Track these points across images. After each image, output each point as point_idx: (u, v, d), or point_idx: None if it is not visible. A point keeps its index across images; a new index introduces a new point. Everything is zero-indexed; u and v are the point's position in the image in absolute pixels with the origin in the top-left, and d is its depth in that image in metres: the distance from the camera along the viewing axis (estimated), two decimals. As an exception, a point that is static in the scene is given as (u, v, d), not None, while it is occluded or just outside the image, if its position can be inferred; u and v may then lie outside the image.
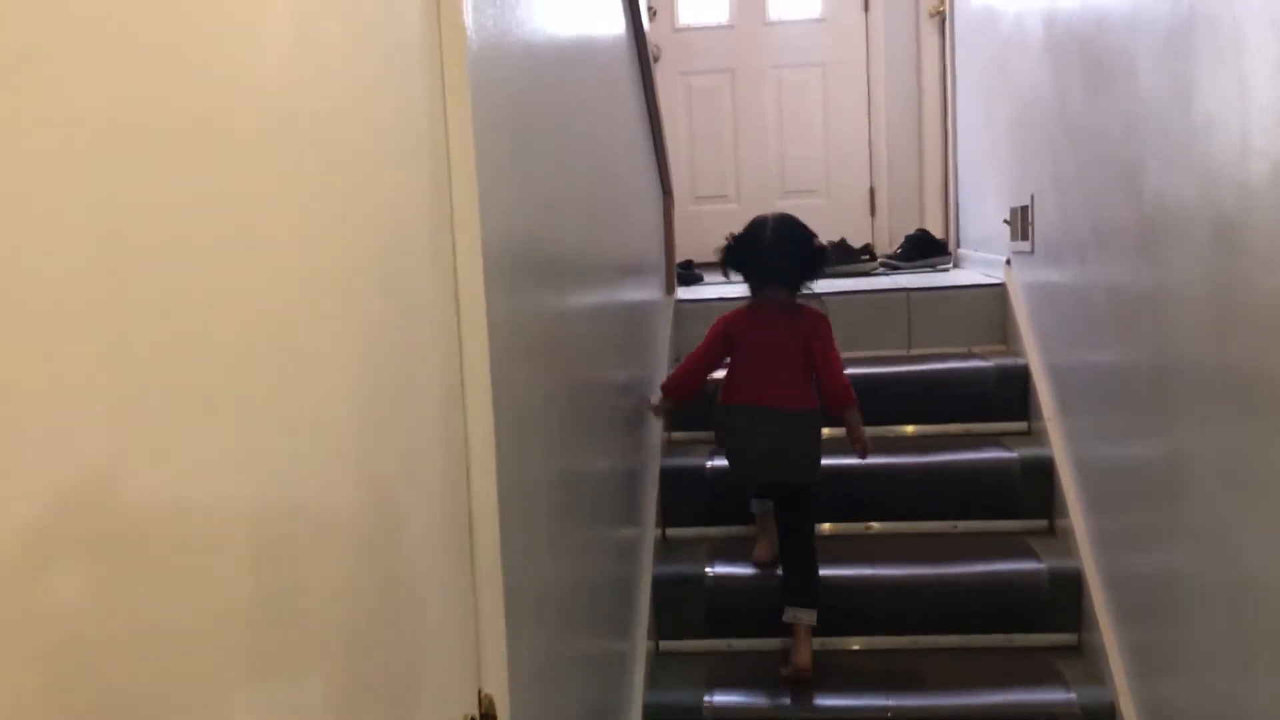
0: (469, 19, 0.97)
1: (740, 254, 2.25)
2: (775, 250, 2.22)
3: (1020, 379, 2.59)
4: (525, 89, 1.24)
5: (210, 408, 0.52)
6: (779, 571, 2.26)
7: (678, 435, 2.68)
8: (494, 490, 0.97)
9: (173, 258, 0.50)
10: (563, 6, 1.53)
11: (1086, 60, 2.04)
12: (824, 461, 2.38)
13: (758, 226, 2.27)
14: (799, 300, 2.24)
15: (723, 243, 2.28)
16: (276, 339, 0.60)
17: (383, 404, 0.76)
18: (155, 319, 0.48)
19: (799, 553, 2.20)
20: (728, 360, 2.27)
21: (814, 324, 2.21)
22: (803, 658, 2.14)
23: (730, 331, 2.26)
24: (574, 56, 1.64)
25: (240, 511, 0.55)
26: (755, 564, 2.33)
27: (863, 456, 2.22)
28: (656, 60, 4.38)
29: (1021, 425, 2.58)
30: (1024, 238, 2.61)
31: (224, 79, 0.55)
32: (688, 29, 4.51)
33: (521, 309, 1.16)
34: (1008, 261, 2.85)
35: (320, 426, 0.65)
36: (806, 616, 2.16)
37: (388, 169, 0.80)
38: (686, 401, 2.33)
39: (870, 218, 4.50)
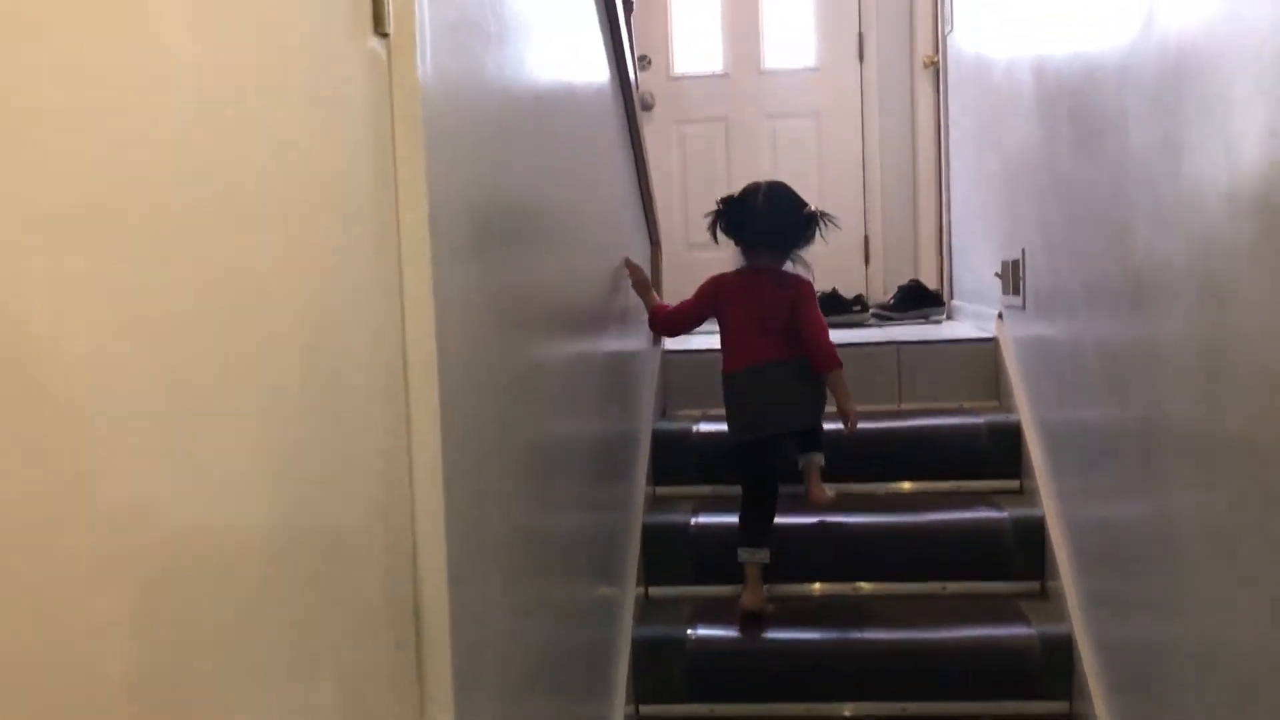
0: (426, 72, 0.94)
1: (731, 219, 2.31)
2: (768, 215, 2.28)
3: (1012, 435, 2.53)
4: (495, 142, 1.21)
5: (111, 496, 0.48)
6: (766, 635, 2.21)
7: (662, 490, 2.63)
8: (443, 559, 0.92)
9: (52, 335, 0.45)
10: (541, 56, 1.50)
11: (1076, 114, 2.01)
12: (810, 520, 2.34)
13: (750, 192, 2.32)
14: (785, 267, 2.32)
15: (714, 207, 2.33)
16: (191, 401, 0.55)
17: (311, 456, 0.71)
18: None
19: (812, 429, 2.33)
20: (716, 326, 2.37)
21: (800, 289, 2.29)
22: (816, 491, 2.29)
23: (720, 293, 2.33)
24: (554, 106, 1.60)
25: (141, 582, 0.50)
26: (741, 611, 2.26)
27: (850, 428, 2.27)
28: (650, 109, 4.39)
29: (1013, 483, 2.52)
30: (1015, 292, 2.57)
31: (117, 143, 0.51)
32: (682, 77, 4.50)
33: (485, 364, 1.12)
34: (1000, 315, 2.81)
35: (234, 481, 0.61)
36: (817, 458, 2.33)
37: (322, 237, 0.76)
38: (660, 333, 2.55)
39: (865, 266, 4.48)
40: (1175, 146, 1.48)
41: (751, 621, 2.25)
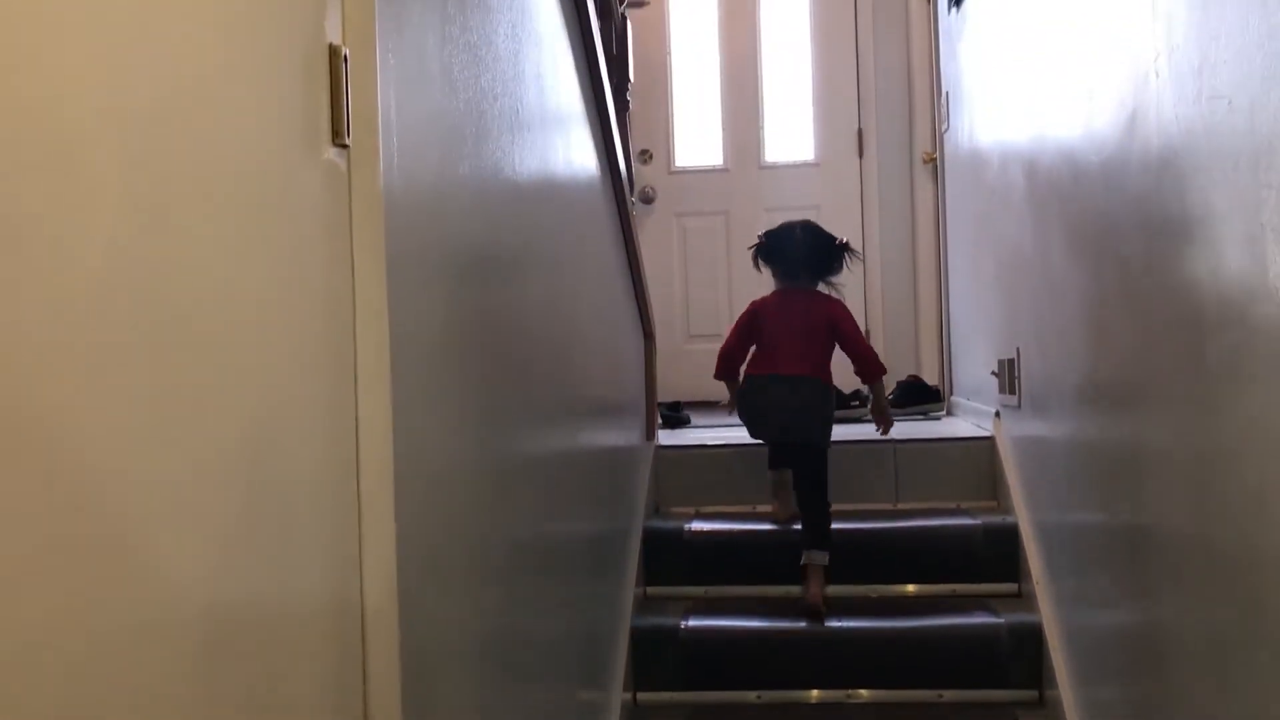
0: (393, 180, 0.93)
1: (772, 250, 2.69)
2: (805, 246, 2.65)
3: (1009, 538, 2.48)
4: (470, 244, 1.20)
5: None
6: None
7: (653, 591, 2.58)
8: (396, 668, 0.88)
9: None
10: (525, 154, 1.50)
11: (1065, 216, 2.00)
12: (805, 624, 2.29)
13: (789, 227, 2.72)
14: (818, 290, 2.65)
15: (755, 241, 2.72)
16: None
17: (248, 553, 0.69)
18: None
19: (815, 509, 2.50)
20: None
21: (835, 308, 2.64)
22: (813, 594, 2.41)
23: (759, 314, 2.66)
24: (537, 203, 1.60)
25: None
26: (773, 522, 2.59)
27: (884, 432, 2.69)
28: (651, 202, 4.42)
29: (1011, 587, 2.47)
30: (1011, 391, 2.55)
31: (35, 268, 0.49)
32: (683, 171, 4.54)
33: (452, 462, 1.09)
34: (997, 414, 2.78)
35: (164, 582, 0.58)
36: (819, 558, 2.44)
37: (268, 352, 0.74)
38: (738, 376, 2.69)
39: (866, 360, 4.45)
40: (1159, 253, 1.47)
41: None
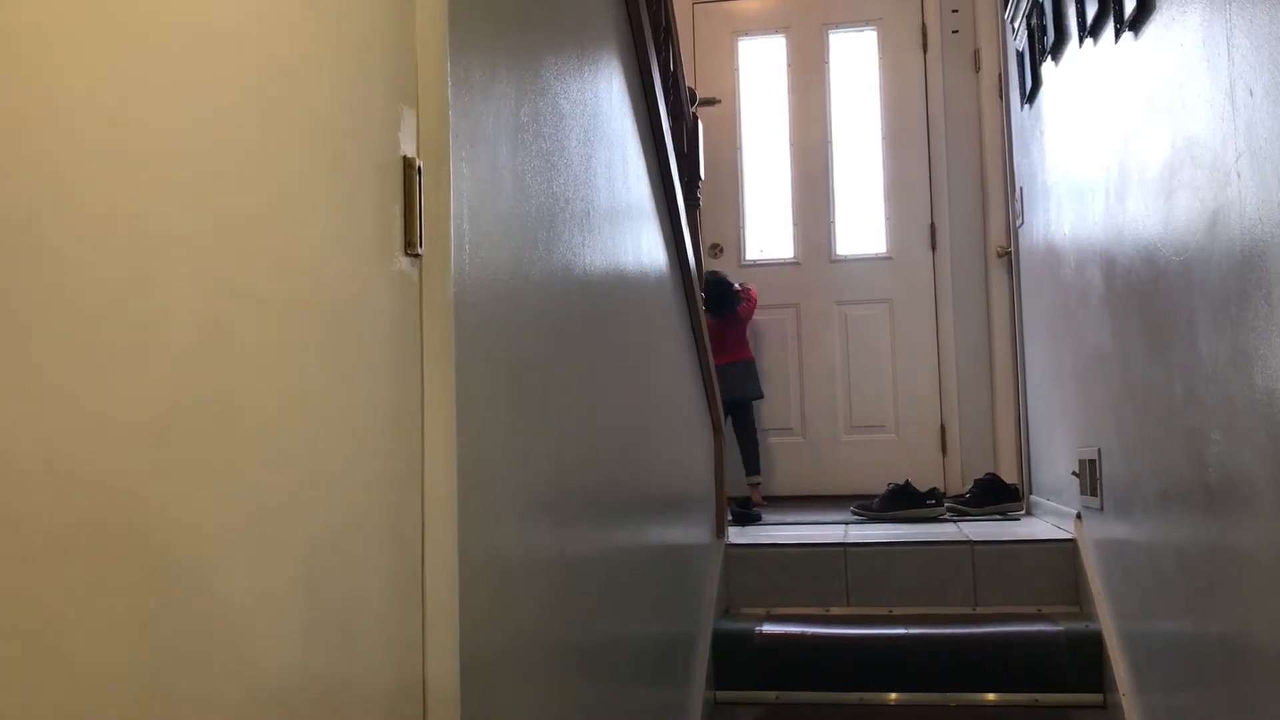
0: (464, 287, 0.94)
1: (707, 301, 3.87)
2: (719, 300, 4.11)
3: (1093, 646, 2.39)
4: (539, 344, 1.20)
5: None
6: None
7: (723, 696, 2.51)
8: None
9: None
10: (595, 254, 1.51)
11: (1146, 318, 1.96)
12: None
13: (711, 285, 4.08)
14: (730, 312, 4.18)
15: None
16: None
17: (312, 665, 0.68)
18: None
19: (751, 445, 4.17)
20: None
21: (742, 325, 4.23)
22: (756, 498, 4.03)
23: (713, 328, 3.93)
24: (606, 301, 1.61)
25: None
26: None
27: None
28: (722, 295, 4.42)
29: (1095, 698, 2.36)
30: (1093, 493, 2.47)
31: (104, 385, 0.50)
32: (754, 264, 4.56)
33: (515, 563, 1.08)
34: (1078, 515, 2.70)
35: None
36: (758, 479, 4.14)
37: (335, 456, 0.74)
38: None
39: (942, 456, 4.37)
40: (1245, 353, 1.42)
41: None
